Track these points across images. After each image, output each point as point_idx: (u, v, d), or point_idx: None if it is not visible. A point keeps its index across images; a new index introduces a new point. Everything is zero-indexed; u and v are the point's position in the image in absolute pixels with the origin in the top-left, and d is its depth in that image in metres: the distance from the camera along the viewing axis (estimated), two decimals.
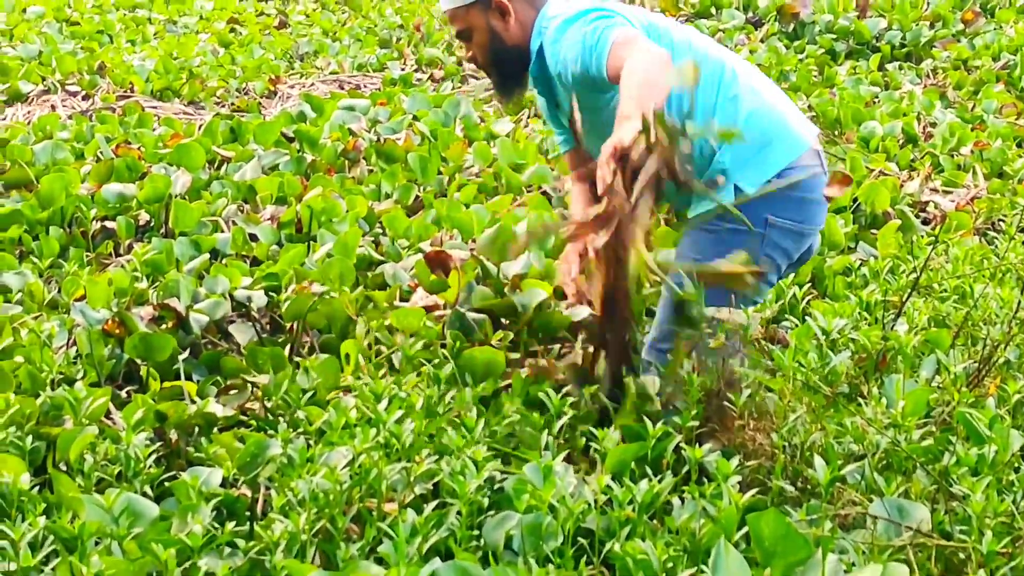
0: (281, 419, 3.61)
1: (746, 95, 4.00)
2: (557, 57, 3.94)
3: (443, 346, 4.14)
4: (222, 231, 5.71)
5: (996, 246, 5.26)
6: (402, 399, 3.41)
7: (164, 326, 4.47)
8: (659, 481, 3.00)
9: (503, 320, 4.58)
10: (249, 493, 3.32)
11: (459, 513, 2.96)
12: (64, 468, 3.42)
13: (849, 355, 3.60)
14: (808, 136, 4.03)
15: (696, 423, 3.38)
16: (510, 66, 4.13)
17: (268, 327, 4.76)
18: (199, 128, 7.56)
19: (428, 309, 4.56)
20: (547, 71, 4.01)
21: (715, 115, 3.96)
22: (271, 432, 3.42)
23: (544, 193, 6.36)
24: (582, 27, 3.85)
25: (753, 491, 2.96)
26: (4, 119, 8.17)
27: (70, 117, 7.96)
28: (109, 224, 5.88)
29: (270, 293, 4.79)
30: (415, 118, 7.78)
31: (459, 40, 4.26)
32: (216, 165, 6.93)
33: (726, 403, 3.40)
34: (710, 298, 3.82)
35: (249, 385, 4.02)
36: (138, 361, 4.30)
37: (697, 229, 4.01)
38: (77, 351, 4.31)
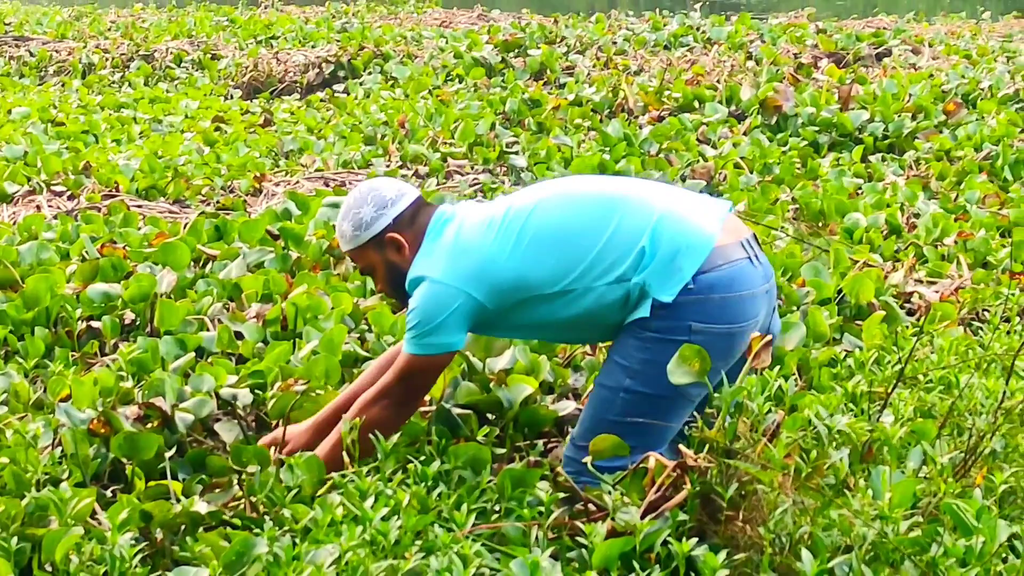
0: (267, 517, 3.62)
1: (640, 219, 4.03)
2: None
3: (429, 442, 4.16)
4: (207, 329, 5.72)
5: (981, 336, 5.29)
6: (388, 496, 3.41)
7: (149, 425, 4.47)
8: None
9: (489, 415, 4.60)
10: None
11: None
12: (49, 569, 3.42)
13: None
14: (713, 234, 4.03)
15: (685, 517, 3.40)
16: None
17: (254, 425, 4.77)
18: (184, 227, 7.59)
19: None
20: None
21: (620, 253, 4.00)
22: (257, 530, 3.43)
23: None
24: (411, 316, 4.09)
25: None
26: None
27: (55, 217, 7.98)
28: (94, 324, 5.88)
29: (256, 391, 4.79)
30: None
31: (363, 275, 4.38)
32: (201, 263, 6.95)
33: (714, 496, 3.41)
34: (626, 410, 3.91)
35: (235, 483, 4.03)
36: (123, 460, 4.30)
37: (626, 334, 4.06)
38: (62, 451, 4.31)
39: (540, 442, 4.56)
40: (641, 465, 3.67)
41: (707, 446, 3.52)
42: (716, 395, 3.62)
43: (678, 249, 3.97)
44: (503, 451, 4.37)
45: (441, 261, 4.07)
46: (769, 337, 3.88)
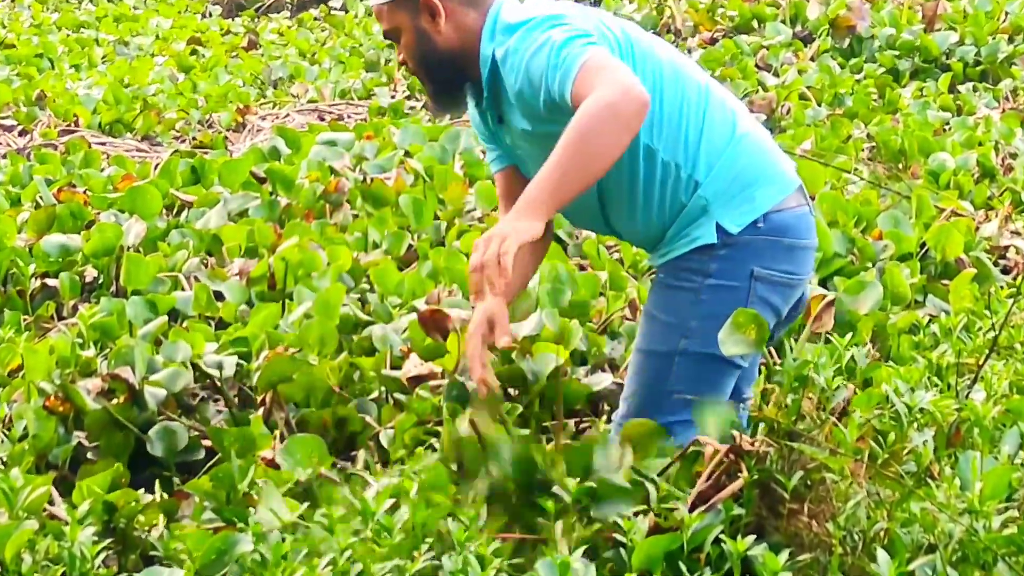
0: (252, 510, 3.62)
1: (728, 121, 4.01)
2: (518, 70, 3.93)
3: (440, 423, 4.15)
4: (182, 289, 5.73)
5: None
6: (393, 485, 3.41)
7: (115, 401, 4.48)
8: None
9: (511, 390, 4.59)
10: None
11: None
12: None
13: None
14: (793, 173, 4.04)
15: (741, 510, 3.39)
16: (443, 73, 4.09)
17: (237, 400, 4.77)
18: (155, 168, 7.60)
19: (423, 378, 4.58)
20: (501, 82, 4.01)
21: (701, 141, 3.95)
22: (241, 525, 3.43)
23: (559, 241, 6.38)
24: (547, 40, 3.83)
25: None
26: None
27: (4, 156, 8.01)
28: (50, 282, 5.90)
29: (239, 361, 4.80)
30: (407, 154, 7.81)
31: (387, 40, 4.29)
32: (175, 211, 6.96)
33: (775, 485, 3.41)
34: (685, 377, 3.87)
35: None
36: (85, 443, 4.31)
37: (668, 286, 4.02)
38: (24, 430, 4.31)
39: (571, 422, 4.56)
40: (690, 449, 3.66)
41: (766, 427, 3.51)
42: (778, 367, 3.60)
43: (755, 178, 3.94)
44: (527, 432, 4.37)
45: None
46: (832, 296, 3.87)
